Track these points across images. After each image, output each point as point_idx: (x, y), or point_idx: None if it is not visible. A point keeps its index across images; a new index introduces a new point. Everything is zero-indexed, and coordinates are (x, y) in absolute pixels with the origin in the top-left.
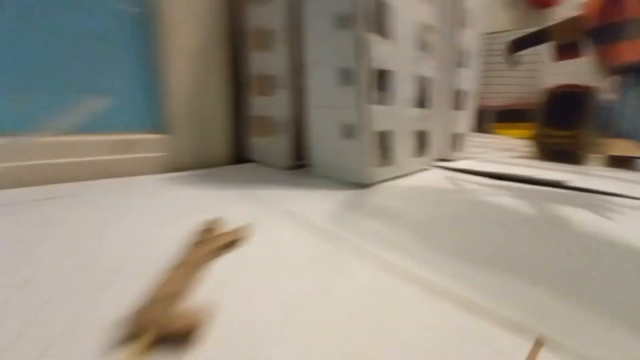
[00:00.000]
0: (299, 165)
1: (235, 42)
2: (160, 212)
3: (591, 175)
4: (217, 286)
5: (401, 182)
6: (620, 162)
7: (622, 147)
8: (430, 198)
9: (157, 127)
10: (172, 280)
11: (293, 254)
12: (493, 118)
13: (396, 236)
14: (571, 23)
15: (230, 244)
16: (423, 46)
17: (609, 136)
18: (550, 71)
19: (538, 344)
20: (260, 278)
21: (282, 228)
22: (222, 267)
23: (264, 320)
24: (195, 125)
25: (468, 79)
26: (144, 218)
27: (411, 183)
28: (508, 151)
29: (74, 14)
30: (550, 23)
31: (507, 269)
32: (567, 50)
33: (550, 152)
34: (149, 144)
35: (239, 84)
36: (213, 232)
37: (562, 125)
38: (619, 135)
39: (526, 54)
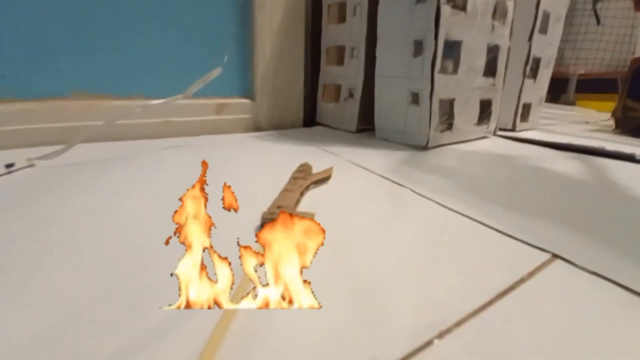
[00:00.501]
0: (364, 129)
1: (314, 15)
2: (261, 158)
3: None
4: (314, 207)
5: (460, 147)
6: None
7: None
8: (484, 161)
9: (245, 93)
10: (285, 198)
11: (366, 192)
12: (574, 88)
13: (448, 187)
14: None
15: (320, 181)
16: (498, 14)
17: None
18: None
19: (553, 256)
20: (343, 205)
21: (354, 175)
22: (316, 195)
23: (348, 233)
24: (274, 92)
25: (545, 46)
26: (251, 161)
27: (469, 148)
28: (584, 124)
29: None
30: None
31: (540, 215)
32: None
33: (633, 126)
34: (238, 107)
35: (314, 55)
36: (306, 171)
37: None
38: None
39: (617, 17)
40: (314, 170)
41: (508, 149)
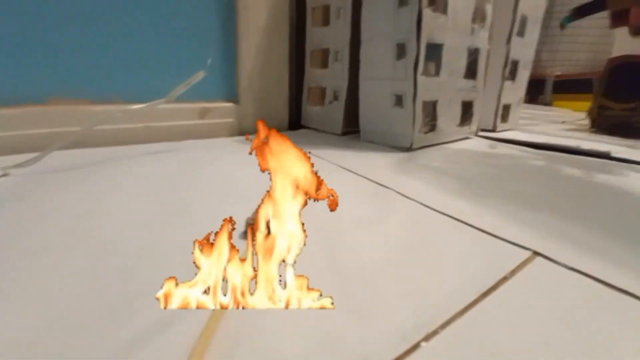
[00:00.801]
0: (350, 131)
1: (298, 18)
2: (245, 163)
3: None
4: None
5: (443, 147)
6: None
7: None
8: (467, 161)
9: (229, 96)
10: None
11: (351, 194)
12: (552, 88)
13: (433, 188)
14: None
15: None
16: (479, 18)
17: None
18: (618, 39)
19: (534, 254)
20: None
21: (340, 177)
22: None
23: (335, 235)
24: (259, 95)
25: (523, 48)
26: (236, 166)
27: (452, 149)
28: (562, 123)
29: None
30: None
31: (520, 213)
32: (621, 17)
33: (608, 125)
34: (222, 111)
35: (299, 57)
36: None
37: (623, 97)
38: None
39: (593, 19)
40: None
41: (490, 149)
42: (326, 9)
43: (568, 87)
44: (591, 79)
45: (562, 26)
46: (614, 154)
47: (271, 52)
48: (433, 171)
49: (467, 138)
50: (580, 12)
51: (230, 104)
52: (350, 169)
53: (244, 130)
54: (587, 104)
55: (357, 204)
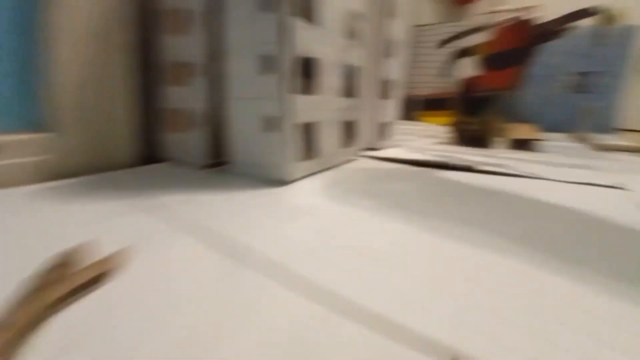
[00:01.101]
0: (218, 163)
1: (145, 23)
2: (7, 240)
3: (499, 157)
4: (60, 348)
5: (326, 175)
6: (520, 144)
7: (521, 131)
8: (354, 191)
9: (35, 125)
10: None
11: (180, 284)
12: (419, 106)
13: (308, 251)
14: (485, 45)
15: (92, 282)
16: (351, 34)
17: (511, 121)
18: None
19: None
20: (125, 327)
21: (175, 247)
22: (73, 318)
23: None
24: (90, 121)
25: (395, 69)
26: (9, 237)
27: (336, 176)
28: (432, 137)
29: None
30: (473, 43)
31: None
32: (488, 61)
33: (466, 138)
34: (23, 147)
35: (148, 72)
36: (67, 267)
37: (473, 113)
38: (520, 120)
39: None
40: (104, 251)
41: (375, 169)
42: (182, 14)
43: (429, 105)
44: (446, 98)
45: (446, 71)
46: (477, 167)
47: (106, 65)
48: (313, 215)
49: (351, 160)
50: (454, 57)
51: (38, 136)
52: (201, 223)
53: (67, 171)
54: (446, 119)
55: (195, 294)
